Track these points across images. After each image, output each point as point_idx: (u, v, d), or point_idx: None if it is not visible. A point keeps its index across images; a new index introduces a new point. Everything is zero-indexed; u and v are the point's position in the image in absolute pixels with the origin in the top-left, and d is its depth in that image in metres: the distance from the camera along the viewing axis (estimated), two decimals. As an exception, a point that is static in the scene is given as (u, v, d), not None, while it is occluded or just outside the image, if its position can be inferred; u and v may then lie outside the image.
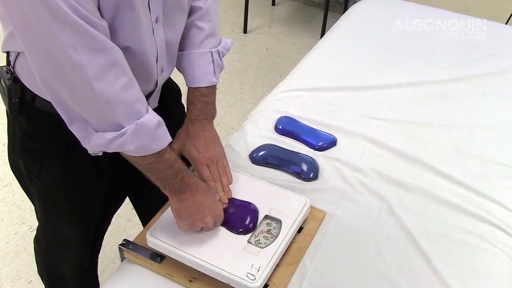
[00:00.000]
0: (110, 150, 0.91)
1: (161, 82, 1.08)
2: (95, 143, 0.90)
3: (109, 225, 1.35)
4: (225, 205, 1.09)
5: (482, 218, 1.18)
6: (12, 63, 1.00)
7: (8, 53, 1.00)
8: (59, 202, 1.16)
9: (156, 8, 0.94)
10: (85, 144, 0.92)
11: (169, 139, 0.94)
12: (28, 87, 0.99)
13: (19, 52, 0.96)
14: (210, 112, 1.14)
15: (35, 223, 2.11)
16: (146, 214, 1.24)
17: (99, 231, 1.32)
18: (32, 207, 1.30)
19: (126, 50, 0.91)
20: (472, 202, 1.22)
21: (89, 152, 0.93)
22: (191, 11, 1.10)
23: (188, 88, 1.13)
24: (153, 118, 0.90)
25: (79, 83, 0.83)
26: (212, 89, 1.13)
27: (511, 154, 1.37)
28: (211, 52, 1.11)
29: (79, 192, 1.13)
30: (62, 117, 0.90)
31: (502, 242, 1.13)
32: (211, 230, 1.05)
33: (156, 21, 0.96)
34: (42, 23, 0.77)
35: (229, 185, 1.13)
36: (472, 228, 1.16)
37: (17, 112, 1.03)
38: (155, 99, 1.10)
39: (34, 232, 2.05)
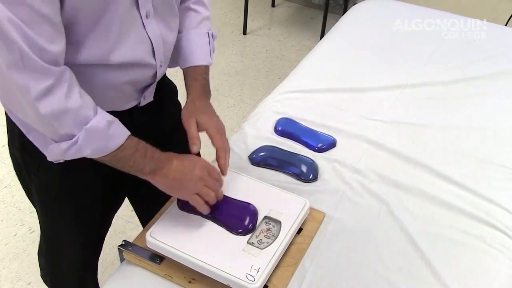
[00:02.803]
0: (68, 158, 0.92)
1: (159, 76, 1.09)
2: (53, 153, 0.92)
3: (109, 226, 1.34)
4: (220, 179, 1.06)
5: (482, 219, 1.18)
6: None
7: None
8: (58, 201, 1.16)
9: (145, 4, 0.95)
10: (45, 153, 0.94)
11: (125, 134, 0.94)
12: None
13: None
14: (209, 91, 1.16)
15: (34, 225, 2.12)
16: (146, 215, 1.24)
17: (100, 233, 1.32)
18: (32, 209, 1.30)
19: (115, 47, 0.92)
20: (471, 203, 1.22)
21: (50, 159, 0.94)
22: None
23: (186, 68, 1.14)
24: (101, 120, 0.90)
25: (25, 103, 0.85)
26: (208, 69, 1.16)
27: (511, 156, 1.37)
28: (208, 33, 1.15)
29: (77, 191, 1.13)
30: (20, 128, 0.93)
31: (502, 243, 1.13)
32: (212, 225, 1.05)
33: (147, 17, 0.97)
34: None
35: (229, 185, 1.13)
36: (471, 229, 1.16)
37: None
38: (151, 92, 1.11)
39: (34, 234, 2.06)
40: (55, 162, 0.95)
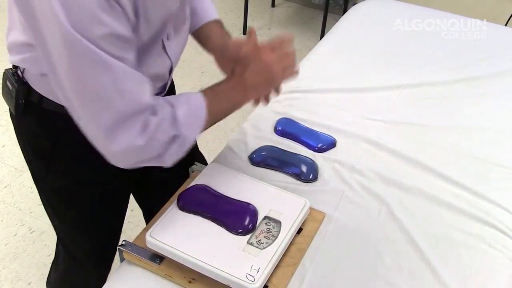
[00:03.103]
0: (186, 149, 0.93)
1: (168, 84, 1.11)
2: (170, 159, 0.92)
3: (119, 235, 1.34)
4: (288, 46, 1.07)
5: (482, 219, 1.18)
6: (21, 70, 1.00)
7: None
8: (67, 206, 1.16)
9: (168, 27, 0.96)
10: (163, 160, 0.92)
11: (200, 96, 0.95)
12: (37, 91, 1.00)
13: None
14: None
15: (34, 225, 2.12)
16: (149, 207, 1.24)
17: (111, 242, 1.31)
18: (32, 209, 1.31)
19: (137, 67, 0.92)
20: (471, 203, 1.22)
21: (169, 164, 0.93)
22: None
23: (204, 25, 1.15)
24: (184, 104, 0.91)
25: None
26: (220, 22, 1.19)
27: (511, 156, 1.37)
28: None
29: (86, 193, 1.14)
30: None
31: (502, 243, 1.13)
32: (212, 225, 1.05)
33: (168, 39, 0.98)
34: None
35: (231, 185, 1.14)
36: (471, 229, 1.16)
37: (23, 113, 1.04)
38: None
39: (34, 234, 2.06)
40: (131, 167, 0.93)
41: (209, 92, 0.97)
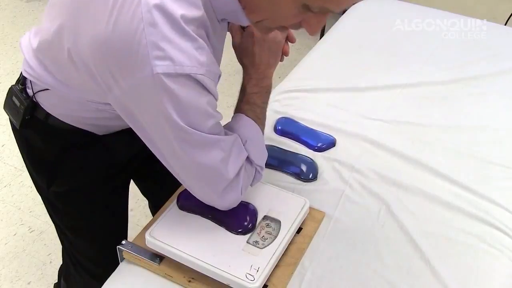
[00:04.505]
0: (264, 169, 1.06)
1: None
2: (256, 182, 1.05)
3: (127, 214, 1.35)
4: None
5: (482, 219, 1.18)
6: (33, 90, 1.01)
7: (24, 77, 1.01)
8: (70, 213, 1.17)
9: None
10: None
11: (247, 120, 1.03)
12: (52, 114, 1.01)
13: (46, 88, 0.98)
14: None
15: (34, 224, 2.12)
16: (151, 194, 1.25)
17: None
18: (32, 208, 1.31)
19: None
20: (471, 203, 1.22)
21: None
22: None
23: None
24: (237, 138, 0.97)
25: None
26: None
27: (511, 155, 1.37)
28: None
29: (90, 205, 1.14)
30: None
31: (502, 243, 1.13)
32: (212, 224, 1.05)
33: None
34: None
35: None
36: (471, 229, 1.16)
37: (27, 126, 1.04)
38: None
39: (33, 233, 2.06)
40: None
41: (250, 112, 1.04)
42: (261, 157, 1.02)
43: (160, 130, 0.84)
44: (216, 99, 0.88)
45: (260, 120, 1.05)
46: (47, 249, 2.00)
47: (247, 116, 1.03)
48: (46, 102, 1.01)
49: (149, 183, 1.42)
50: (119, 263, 1.07)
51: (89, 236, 1.24)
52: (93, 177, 1.11)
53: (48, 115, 1.01)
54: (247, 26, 1.06)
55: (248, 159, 0.98)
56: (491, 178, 1.29)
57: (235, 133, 0.98)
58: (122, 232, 1.32)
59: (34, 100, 1.01)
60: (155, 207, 1.49)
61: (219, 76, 0.87)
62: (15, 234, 2.06)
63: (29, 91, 1.01)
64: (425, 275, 1.06)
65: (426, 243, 1.12)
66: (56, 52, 0.88)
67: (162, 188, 1.20)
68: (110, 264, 1.29)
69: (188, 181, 0.94)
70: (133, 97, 0.80)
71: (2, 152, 2.42)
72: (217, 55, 0.92)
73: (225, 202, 0.97)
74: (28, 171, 1.17)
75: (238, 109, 1.05)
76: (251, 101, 1.04)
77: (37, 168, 1.12)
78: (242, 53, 1.06)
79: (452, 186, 1.26)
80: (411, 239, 1.13)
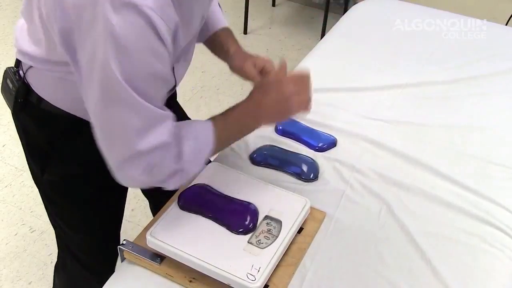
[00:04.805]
0: (189, 179, 0.98)
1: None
2: (172, 186, 0.94)
3: (119, 232, 1.34)
4: (308, 80, 1.06)
5: (482, 219, 1.18)
6: (24, 70, 1.00)
7: (17, 60, 1.01)
8: (65, 202, 1.16)
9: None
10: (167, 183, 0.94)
11: (209, 133, 0.96)
12: (39, 94, 1.00)
13: (31, 66, 0.98)
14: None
15: (35, 224, 2.12)
16: (158, 205, 1.24)
17: (111, 238, 1.31)
18: (33, 208, 1.31)
19: None
20: (472, 203, 1.22)
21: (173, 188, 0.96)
22: None
23: (216, 32, 1.19)
24: (191, 143, 0.93)
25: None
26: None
27: (511, 155, 1.37)
28: (219, 3, 1.21)
29: (84, 194, 1.14)
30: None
31: (502, 243, 1.13)
32: (213, 224, 1.05)
33: (178, 61, 0.98)
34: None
35: (230, 183, 1.14)
36: (472, 229, 1.16)
37: (21, 111, 1.04)
38: None
39: (34, 233, 2.06)
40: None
41: (221, 120, 0.98)
42: (194, 163, 0.95)
43: (89, 70, 0.78)
44: (170, 55, 0.81)
45: (223, 137, 0.99)
46: (48, 249, 2.00)
47: (214, 123, 0.98)
48: (36, 83, 1.00)
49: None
50: (112, 255, 1.06)
51: (82, 228, 1.23)
52: (86, 166, 1.10)
53: (40, 99, 1.00)
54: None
55: (178, 156, 0.91)
56: (491, 178, 1.29)
57: (187, 126, 0.94)
58: (114, 228, 1.31)
59: (26, 81, 1.01)
60: (156, 207, 1.49)
61: (177, 25, 0.81)
62: (16, 234, 2.06)
63: (21, 73, 1.02)
64: (425, 275, 1.06)
65: (426, 243, 1.12)
66: (31, 15, 0.89)
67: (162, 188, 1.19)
68: (103, 255, 1.29)
69: (98, 134, 0.87)
70: (76, 25, 0.76)
71: (3, 152, 2.42)
72: (191, 13, 0.89)
73: (121, 174, 0.89)
74: (26, 159, 1.17)
75: (214, 116, 1.01)
76: (229, 117, 1.01)
77: (32, 153, 1.12)
78: (259, 87, 1.05)
79: (452, 186, 1.26)
80: (411, 239, 1.13)
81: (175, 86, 1.03)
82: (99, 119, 0.84)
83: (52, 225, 1.29)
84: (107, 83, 0.77)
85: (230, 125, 1.00)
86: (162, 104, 0.87)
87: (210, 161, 1.32)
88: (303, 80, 1.04)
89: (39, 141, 1.08)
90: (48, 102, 1.00)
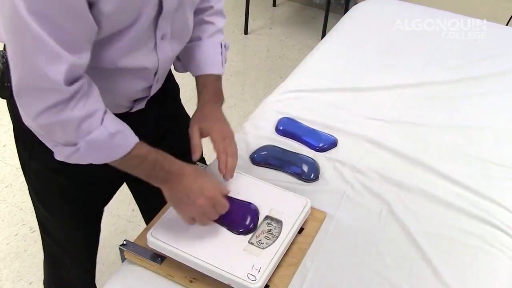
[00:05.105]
0: (73, 162, 0.91)
1: (154, 90, 1.08)
2: (59, 154, 0.91)
3: (100, 223, 1.33)
4: (227, 191, 1.06)
5: (483, 219, 1.18)
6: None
7: None
8: (51, 193, 1.16)
9: (164, 27, 0.95)
10: (54, 151, 0.92)
11: (131, 144, 0.92)
12: None
13: None
14: (221, 98, 1.16)
15: (35, 224, 2.11)
16: (148, 210, 1.22)
17: (96, 228, 1.31)
18: (33, 208, 1.30)
19: (118, 62, 0.91)
20: (473, 203, 1.22)
21: (57, 158, 0.93)
22: (202, 11, 1.14)
23: (198, 76, 1.15)
24: (104, 132, 0.89)
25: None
26: (220, 77, 1.17)
27: (512, 155, 1.37)
28: (221, 43, 1.16)
29: (70, 183, 1.13)
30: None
31: (503, 243, 1.13)
32: (213, 224, 1.04)
33: (162, 38, 0.97)
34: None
35: (231, 186, 1.13)
36: (472, 229, 1.16)
37: (9, 96, 1.03)
38: (143, 101, 1.11)
39: (35, 234, 2.06)
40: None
41: (145, 149, 0.95)
42: (94, 152, 0.90)
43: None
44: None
45: (131, 160, 0.94)
46: (48, 249, 2.00)
47: (140, 145, 0.94)
48: None
49: (143, 195, 1.41)
50: (92, 246, 1.03)
51: (61, 217, 1.23)
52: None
53: None
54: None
55: (84, 131, 0.87)
56: (492, 178, 1.29)
57: (117, 121, 0.92)
58: (95, 221, 1.29)
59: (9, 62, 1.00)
60: (146, 215, 1.48)
61: None
62: (16, 234, 2.06)
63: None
64: (426, 275, 1.06)
65: (427, 243, 1.12)
66: None
67: (153, 195, 1.19)
68: (83, 245, 1.28)
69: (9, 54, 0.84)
70: None
71: (3, 152, 2.42)
72: None
73: (19, 103, 0.86)
74: (16, 144, 1.16)
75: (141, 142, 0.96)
76: (153, 154, 0.96)
77: (19, 139, 1.11)
78: (191, 174, 1.01)
79: (453, 186, 1.26)
80: (412, 239, 1.13)
81: (157, 70, 1.01)
82: (8, 43, 0.82)
83: (36, 212, 1.29)
84: (14, 21, 0.76)
85: (140, 159, 0.95)
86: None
87: (205, 163, 1.32)
88: (219, 210, 1.02)
89: (25, 127, 1.07)
90: None
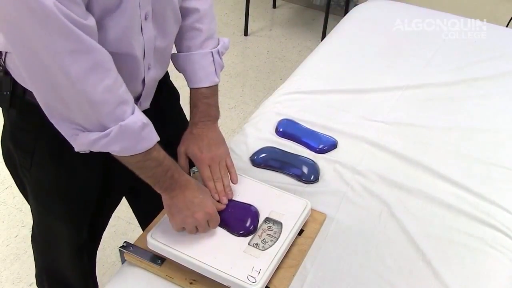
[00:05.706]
0: (95, 149, 0.91)
1: (149, 81, 1.06)
2: (80, 142, 0.90)
3: (106, 225, 1.33)
4: (222, 207, 1.09)
5: (483, 221, 1.18)
6: (3, 57, 0.99)
7: None
8: (51, 197, 1.15)
9: (145, 5, 0.94)
10: (71, 142, 0.92)
11: (155, 139, 0.94)
12: (18, 82, 0.98)
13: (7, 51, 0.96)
14: (212, 114, 1.15)
15: (35, 226, 2.11)
16: (143, 214, 1.22)
17: (95, 231, 1.30)
18: (33, 209, 1.30)
19: (113, 46, 0.90)
20: (472, 204, 1.22)
21: (76, 150, 0.93)
22: (188, 13, 1.11)
23: (190, 89, 1.14)
24: (137, 121, 0.90)
25: (63, 84, 0.83)
26: (214, 89, 1.15)
27: None
28: (212, 52, 1.13)
29: (70, 187, 1.12)
30: (48, 116, 0.90)
31: (503, 244, 1.13)
32: (207, 232, 1.04)
33: (145, 18, 0.96)
34: (27, 24, 0.77)
35: (231, 186, 1.13)
36: (473, 230, 1.16)
37: (8, 105, 1.03)
38: (146, 100, 1.10)
39: (35, 235, 2.04)
40: (81, 152, 0.93)
41: (161, 152, 0.96)
42: (120, 138, 0.89)
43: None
44: None
45: (148, 161, 0.95)
46: (48, 251, 2.00)
47: (157, 147, 0.95)
48: (15, 69, 0.98)
49: (139, 201, 1.40)
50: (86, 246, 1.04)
51: (65, 217, 1.21)
52: (67, 165, 1.09)
53: (24, 89, 0.98)
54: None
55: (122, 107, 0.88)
56: (492, 180, 1.29)
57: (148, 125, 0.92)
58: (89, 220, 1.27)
59: (7, 70, 0.99)
60: (145, 224, 1.48)
61: None
62: (16, 236, 2.06)
63: (1, 62, 1.00)
64: (426, 277, 1.06)
65: (427, 245, 1.12)
66: None
67: (147, 208, 1.18)
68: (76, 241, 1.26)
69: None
70: None
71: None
72: None
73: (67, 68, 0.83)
74: (6, 156, 1.15)
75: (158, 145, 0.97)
76: (166, 161, 0.98)
77: (19, 146, 1.10)
78: (197, 189, 1.05)
79: (453, 188, 1.26)
80: (412, 241, 1.13)
81: (144, 54, 1.00)
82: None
83: (34, 215, 1.28)
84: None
85: (158, 165, 0.97)
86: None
87: None
88: (212, 227, 1.05)
89: (25, 135, 1.06)
90: (32, 92, 0.98)
